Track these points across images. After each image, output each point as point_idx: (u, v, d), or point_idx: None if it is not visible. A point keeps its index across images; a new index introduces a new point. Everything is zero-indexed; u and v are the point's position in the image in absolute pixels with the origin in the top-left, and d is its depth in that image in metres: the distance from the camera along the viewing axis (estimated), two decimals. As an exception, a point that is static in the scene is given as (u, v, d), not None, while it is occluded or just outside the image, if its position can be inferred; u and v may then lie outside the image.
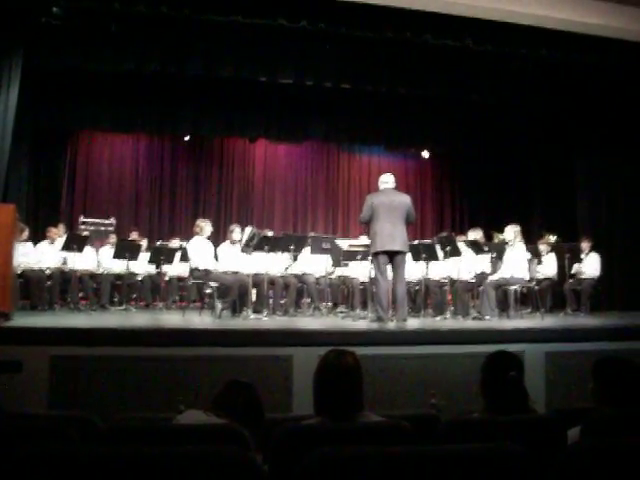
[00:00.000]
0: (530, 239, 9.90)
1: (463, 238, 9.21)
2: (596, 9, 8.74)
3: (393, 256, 7.13)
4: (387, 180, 7.45)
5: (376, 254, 7.17)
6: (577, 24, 8.77)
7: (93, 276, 9.47)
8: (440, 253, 8.58)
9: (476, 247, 8.54)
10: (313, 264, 9.53)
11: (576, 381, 5.59)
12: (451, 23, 8.69)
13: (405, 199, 7.34)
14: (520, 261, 8.26)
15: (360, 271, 9.21)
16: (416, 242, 9.17)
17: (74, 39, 8.88)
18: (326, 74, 10.09)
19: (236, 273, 8.32)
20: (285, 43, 9.36)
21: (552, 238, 10.30)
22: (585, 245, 9.83)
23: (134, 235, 10.74)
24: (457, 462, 1.90)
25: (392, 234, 7.06)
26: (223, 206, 13.67)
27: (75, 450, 1.91)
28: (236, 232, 8.67)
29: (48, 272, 9.04)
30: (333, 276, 9.92)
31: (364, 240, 9.78)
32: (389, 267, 7.26)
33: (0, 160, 8.16)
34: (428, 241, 9.39)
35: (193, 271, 8.18)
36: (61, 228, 10.12)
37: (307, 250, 9.22)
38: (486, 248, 8.65)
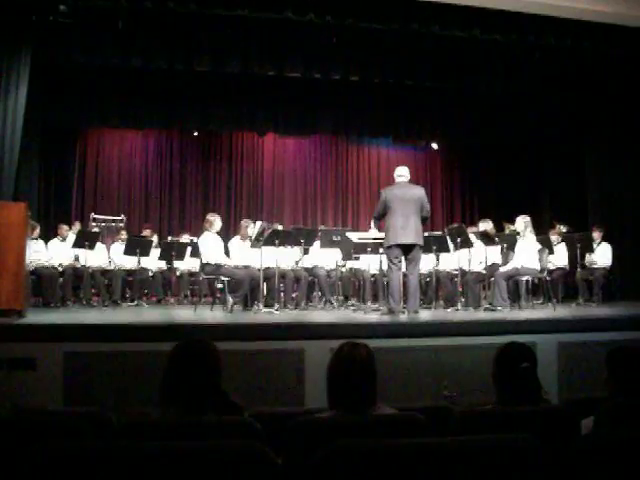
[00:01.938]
0: (541, 229, 9.85)
1: (474, 229, 9.19)
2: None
3: (408, 249, 7.14)
4: (402, 173, 7.46)
5: (389, 247, 7.19)
6: (587, 12, 8.71)
7: (105, 272, 9.51)
8: (451, 245, 8.57)
9: (486, 238, 8.52)
10: (324, 257, 9.53)
11: (589, 371, 5.58)
12: (458, 13, 8.65)
13: (418, 192, 7.34)
14: (531, 252, 8.23)
15: (371, 264, 9.21)
16: (427, 234, 9.15)
17: (82, 36, 8.89)
18: (334, 67, 10.05)
19: (247, 267, 8.34)
20: (292, 36, 9.34)
21: (563, 228, 10.24)
22: (596, 235, 9.78)
23: (147, 231, 10.77)
24: (471, 453, 1.91)
25: (405, 227, 7.07)
26: (233, 200, 13.67)
27: (90, 446, 1.93)
28: (250, 227, 8.70)
29: (60, 269, 9.10)
30: (344, 269, 9.92)
31: (374, 233, 9.76)
32: (403, 259, 7.27)
33: (11, 158, 8.20)
34: (439, 233, 9.37)
35: (204, 266, 8.20)
36: (77, 225, 10.19)
37: (317, 243, 9.22)
38: (497, 239, 8.63)
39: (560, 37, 9.06)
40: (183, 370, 2.56)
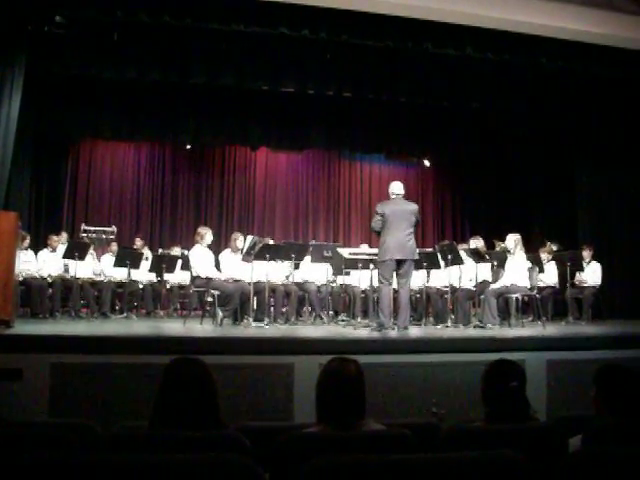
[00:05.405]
0: (531, 247, 9.89)
1: (464, 246, 9.21)
2: (597, 18, 8.76)
3: (400, 264, 7.17)
4: (397, 189, 7.47)
5: (383, 262, 7.20)
6: (578, 33, 8.79)
7: (94, 284, 9.45)
8: (441, 261, 8.58)
9: (477, 256, 8.54)
10: (314, 272, 9.53)
11: (577, 389, 5.58)
12: (451, 32, 8.72)
13: (412, 208, 7.37)
14: (521, 269, 8.25)
15: (361, 279, 9.20)
16: (417, 251, 9.17)
17: (76, 47, 8.92)
18: (327, 83, 10.12)
19: (237, 281, 8.31)
20: (286, 52, 9.39)
21: (553, 246, 10.29)
22: (586, 253, 9.82)
23: (138, 242, 10.74)
24: (457, 470, 1.90)
25: (401, 243, 7.11)
26: (224, 214, 13.66)
27: (75, 458, 1.91)
28: (239, 240, 8.68)
29: (49, 280, 9.04)
30: (334, 284, 9.91)
31: (365, 248, 9.78)
32: (394, 275, 7.29)
33: (2, 168, 8.17)
34: (430, 249, 9.39)
35: (194, 279, 8.18)
36: (64, 236, 10.13)
37: (308, 258, 9.22)
38: (487, 257, 8.65)
39: (552, 57, 9.13)
40: (181, 390, 2.53)
